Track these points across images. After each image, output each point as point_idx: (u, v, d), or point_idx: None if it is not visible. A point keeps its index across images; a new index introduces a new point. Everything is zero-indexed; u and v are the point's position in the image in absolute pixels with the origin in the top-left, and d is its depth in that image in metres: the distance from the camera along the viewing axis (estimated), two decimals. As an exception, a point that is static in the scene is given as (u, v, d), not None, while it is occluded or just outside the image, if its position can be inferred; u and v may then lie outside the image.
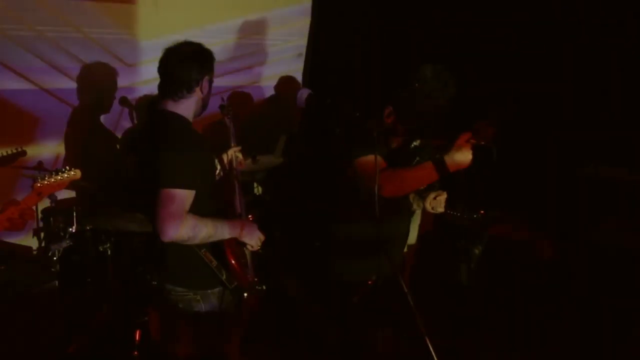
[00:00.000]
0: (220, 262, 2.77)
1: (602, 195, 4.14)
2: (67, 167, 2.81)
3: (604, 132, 4.28)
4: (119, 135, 4.80)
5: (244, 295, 2.87)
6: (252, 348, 3.46)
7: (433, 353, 2.43)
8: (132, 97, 4.65)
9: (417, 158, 3.09)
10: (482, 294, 3.77)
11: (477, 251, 3.23)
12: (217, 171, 2.96)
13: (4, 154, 3.96)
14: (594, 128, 4.32)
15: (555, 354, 3.87)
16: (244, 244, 2.85)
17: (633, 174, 4.03)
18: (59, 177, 2.76)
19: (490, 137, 2.86)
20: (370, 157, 2.71)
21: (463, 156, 2.71)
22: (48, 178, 2.73)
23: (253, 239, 2.87)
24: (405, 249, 3.39)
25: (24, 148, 4.08)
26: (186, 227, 2.57)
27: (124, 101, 4.54)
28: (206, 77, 2.79)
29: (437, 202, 3.17)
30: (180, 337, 2.93)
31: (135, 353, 3.61)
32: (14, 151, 4.00)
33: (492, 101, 4.39)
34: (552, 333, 4.04)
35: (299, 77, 5.85)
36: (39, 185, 2.69)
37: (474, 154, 2.72)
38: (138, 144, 2.86)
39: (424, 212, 3.28)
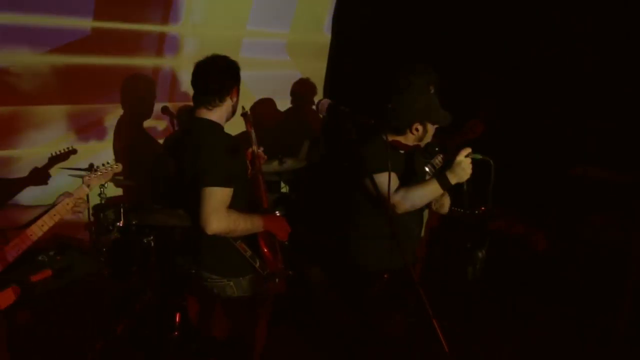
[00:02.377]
0: (254, 251, 2.83)
1: (591, 193, 4.10)
2: (109, 162, 2.96)
3: (595, 135, 4.23)
4: (161, 140, 4.87)
5: (275, 280, 2.91)
6: (277, 329, 3.48)
7: (440, 335, 2.45)
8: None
9: (423, 159, 3.10)
10: (483, 284, 3.79)
11: (480, 254, 3.26)
12: (249, 171, 3.01)
13: (57, 153, 4.06)
14: (586, 131, 4.28)
15: (547, 335, 3.88)
16: (274, 236, 2.91)
17: (620, 175, 3.98)
18: (104, 170, 2.91)
19: (480, 133, 2.87)
20: (385, 175, 2.71)
21: (463, 171, 2.77)
22: (94, 172, 2.89)
23: (282, 232, 2.93)
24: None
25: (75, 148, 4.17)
26: (228, 221, 2.63)
27: (165, 110, 4.60)
28: (235, 87, 2.84)
29: (441, 205, 3.21)
30: (214, 319, 3.01)
31: (176, 333, 3.58)
32: (66, 150, 4.09)
33: (484, 99, 4.37)
34: (546, 318, 4.06)
35: (320, 88, 5.88)
36: (87, 178, 2.83)
37: (473, 167, 2.75)
38: (178, 148, 2.90)
39: (431, 209, 3.30)
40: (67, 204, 2.72)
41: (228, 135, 2.85)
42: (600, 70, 4.33)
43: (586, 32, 4.37)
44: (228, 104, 2.83)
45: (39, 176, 4.01)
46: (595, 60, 4.35)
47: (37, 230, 2.66)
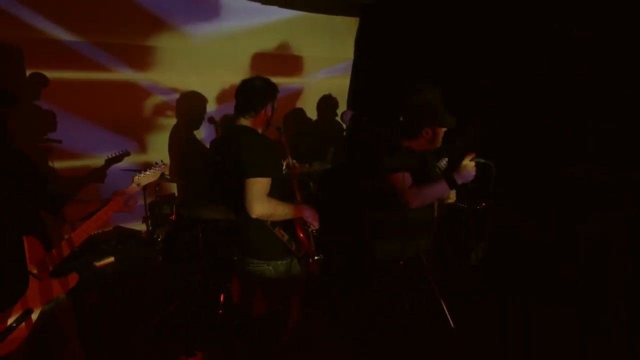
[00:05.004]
0: (290, 236, 2.97)
1: (589, 193, 3.96)
2: (157, 162, 2.94)
3: (589, 135, 4.09)
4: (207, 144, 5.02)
5: (309, 261, 3.03)
6: (308, 307, 3.54)
7: (448, 314, 2.53)
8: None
9: (432, 161, 3.18)
10: (483, 284, 3.81)
11: (482, 245, 3.33)
12: (284, 167, 3.12)
13: (113, 155, 4.07)
14: (580, 131, 4.13)
15: (547, 335, 3.84)
16: (306, 224, 3.05)
17: (612, 174, 3.89)
18: (152, 171, 2.87)
19: (480, 137, 2.92)
20: (399, 175, 2.84)
21: (468, 173, 2.89)
22: (144, 172, 2.85)
23: (314, 219, 3.06)
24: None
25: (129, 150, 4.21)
26: (269, 206, 2.79)
27: (212, 120, 4.75)
28: (269, 103, 2.99)
29: (447, 197, 3.28)
30: (254, 299, 3.09)
31: (220, 312, 3.77)
32: (121, 152, 4.10)
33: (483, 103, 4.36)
34: (546, 318, 3.95)
35: (344, 101, 5.98)
36: (137, 177, 2.81)
37: (477, 170, 2.87)
38: (222, 149, 3.03)
39: (439, 204, 3.36)
40: (119, 201, 2.69)
41: (264, 135, 2.99)
42: (600, 74, 4.16)
43: (585, 38, 4.28)
44: (262, 117, 2.98)
45: (97, 176, 4.00)
46: (594, 64, 4.21)
47: (93, 224, 2.62)
